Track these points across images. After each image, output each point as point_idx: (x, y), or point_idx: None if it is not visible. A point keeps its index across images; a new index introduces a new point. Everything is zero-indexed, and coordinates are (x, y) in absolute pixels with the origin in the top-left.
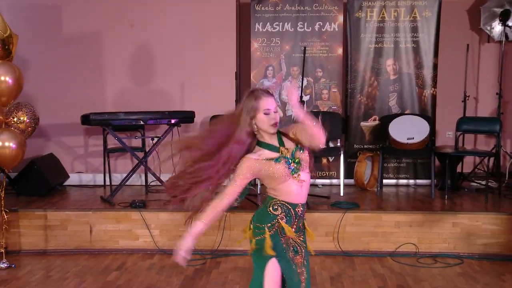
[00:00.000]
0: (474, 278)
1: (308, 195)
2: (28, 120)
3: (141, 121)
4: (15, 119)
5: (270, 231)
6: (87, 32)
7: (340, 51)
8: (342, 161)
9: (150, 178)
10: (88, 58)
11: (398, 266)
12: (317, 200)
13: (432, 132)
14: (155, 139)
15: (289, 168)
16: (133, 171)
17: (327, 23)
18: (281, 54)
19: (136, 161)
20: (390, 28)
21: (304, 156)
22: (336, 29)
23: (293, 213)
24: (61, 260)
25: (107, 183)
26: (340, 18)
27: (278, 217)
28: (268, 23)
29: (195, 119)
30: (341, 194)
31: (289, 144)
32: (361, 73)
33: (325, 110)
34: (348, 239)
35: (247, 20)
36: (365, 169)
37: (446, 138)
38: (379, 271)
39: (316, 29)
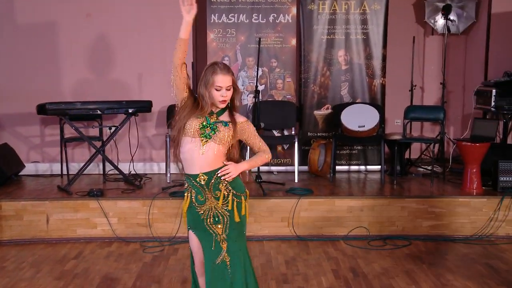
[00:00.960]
0: (421, 258)
1: (264, 182)
2: None
3: (98, 111)
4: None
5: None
6: (41, 21)
7: (293, 42)
8: (296, 149)
9: (108, 167)
10: (44, 47)
11: (350, 249)
12: (272, 187)
13: (382, 120)
14: (113, 129)
15: (201, 128)
16: (90, 160)
17: (281, 15)
18: (236, 45)
19: (93, 150)
20: (341, 20)
21: (224, 131)
22: (290, 21)
23: (196, 184)
24: (16, 251)
25: (64, 172)
26: (294, 10)
27: (187, 190)
28: (224, 15)
29: (152, 108)
30: (296, 181)
31: (225, 118)
32: (314, 63)
33: (279, 99)
34: (303, 224)
35: (203, 11)
36: (319, 156)
37: (395, 125)
38: (332, 254)
39: (271, 21)
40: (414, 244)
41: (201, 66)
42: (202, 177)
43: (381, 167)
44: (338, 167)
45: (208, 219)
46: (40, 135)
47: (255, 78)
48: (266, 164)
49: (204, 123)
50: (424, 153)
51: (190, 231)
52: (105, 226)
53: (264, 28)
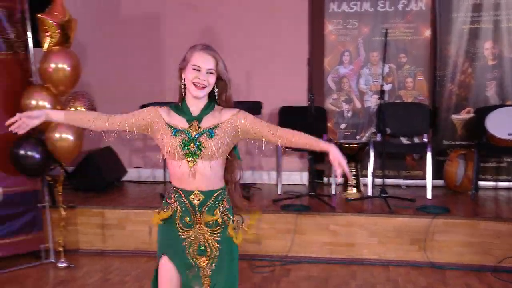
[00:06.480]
0: None
1: (390, 197)
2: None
3: None
4: (72, 110)
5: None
6: (146, 15)
7: (427, 33)
8: (429, 159)
9: None
10: (148, 43)
11: (501, 284)
12: (400, 203)
13: None
14: None
15: (183, 148)
16: None
17: (413, 2)
18: (359, 38)
19: None
20: (488, 5)
21: (209, 145)
22: (423, 8)
23: (187, 202)
24: (120, 262)
25: (167, 179)
26: None
27: (167, 206)
28: (345, 3)
29: (262, 110)
30: (429, 197)
31: (209, 123)
32: (453, 58)
33: (409, 100)
34: (438, 249)
35: (320, 0)
36: (457, 169)
37: None
38: None
39: (400, 9)
40: None
41: (318, 63)
42: (197, 196)
43: None
44: (481, 183)
45: (192, 248)
46: (143, 138)
47: (381, 76)
48: (394, 177)
49: (185, 140)
50: None
51: (164, 258)
52: None
53: (391, 17)
